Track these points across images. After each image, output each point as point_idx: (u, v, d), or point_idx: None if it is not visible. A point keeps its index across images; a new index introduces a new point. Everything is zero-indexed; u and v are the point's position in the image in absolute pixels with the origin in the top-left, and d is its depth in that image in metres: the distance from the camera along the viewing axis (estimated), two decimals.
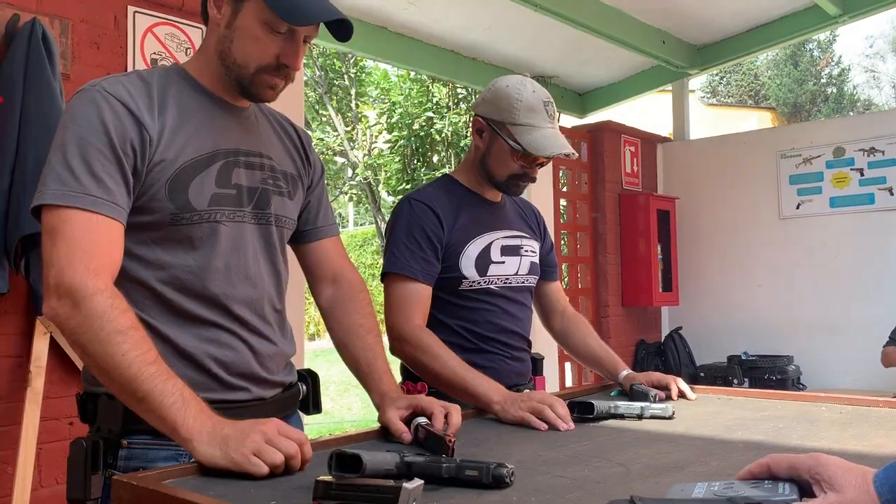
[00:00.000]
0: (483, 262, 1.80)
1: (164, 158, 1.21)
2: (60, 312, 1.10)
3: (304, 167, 1.45)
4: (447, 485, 0.96)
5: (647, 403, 1.50)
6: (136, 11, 2.71)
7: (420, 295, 1.72)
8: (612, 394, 1.80)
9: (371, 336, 1.45)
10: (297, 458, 1.04)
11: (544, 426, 1.40)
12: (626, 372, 1.82)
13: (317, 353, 12.30)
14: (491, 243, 1.82)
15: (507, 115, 1.75)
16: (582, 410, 1.46)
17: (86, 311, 1.08)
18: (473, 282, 1.79)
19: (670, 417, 1.47)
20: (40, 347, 2.37)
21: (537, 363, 1.97)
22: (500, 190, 1.86)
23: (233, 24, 1.26)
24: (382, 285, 1.77)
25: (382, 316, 1.70)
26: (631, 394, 1.69)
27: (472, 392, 1.56)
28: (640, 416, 1.47)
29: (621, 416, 1.47)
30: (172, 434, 1.07)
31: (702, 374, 5.13)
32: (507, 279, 1.84)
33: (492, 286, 1.81)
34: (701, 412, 1.55)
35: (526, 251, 1.89)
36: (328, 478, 0.89)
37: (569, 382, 5.01)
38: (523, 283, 1.88)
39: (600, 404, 1.47)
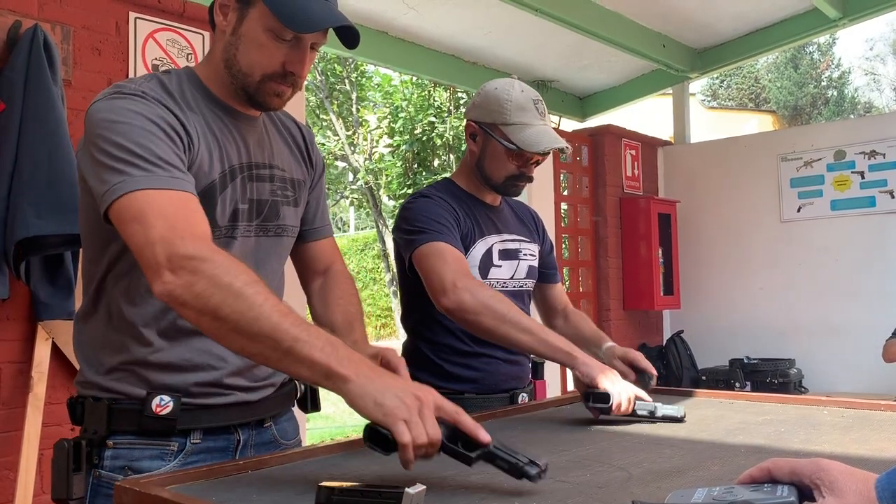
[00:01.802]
0: (485, 264, 1.81)
1: (196, 173, 1.20)
2: (180, 283, 1.04)
3: (308, 170, 1.46)
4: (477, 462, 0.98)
5: (660, 404, 1.49)
6: (137, 18, 2.72)
7: (463, 257, 1.71)
8: None
9: (352, 308, 1.43)
10: (430, 450, 0.95)
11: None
12: (609, 344, 1.80)
13: None
14: (492, 247, 1.83)
15: (498, 116, 1.77)
16: (597, 400, 1.46)
17: (210, 271, 1.04)
18: None
19: (681, 419, 1.46)
20: (42, 353, 2.37)
21: (538, 367, 1.97)
22: (498, 192, 1.87)
23: (238, 30, 1.25)
24: (416, 262, 1.72)
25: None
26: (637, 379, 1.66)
27: (557, 348, 1.58)
28: (652, 415, 1.46)
29: (634, 414, 1.46)
30: (325, 379, 1.00)
31: (703, 378, 5.12)
32: (504, 283, 1.84)
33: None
34: (703, 416, 1.55)
35: (524, 255, 1.90)
36: (331, 483, 0.89)
37: (571, 386, 5.00)
38: (520, 287, 1.89)
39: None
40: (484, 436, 0.98)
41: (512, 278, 1.86)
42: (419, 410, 0.95)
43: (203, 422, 1.25)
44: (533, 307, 2.03)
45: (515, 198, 1.99)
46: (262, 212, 1.31)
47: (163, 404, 1.21)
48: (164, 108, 1.19)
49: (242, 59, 1.25)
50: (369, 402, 0.96)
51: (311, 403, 1.47)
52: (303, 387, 1.45)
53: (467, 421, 0.99)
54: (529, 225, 2.00)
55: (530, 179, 1.83)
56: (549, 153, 1.81)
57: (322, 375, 1.00)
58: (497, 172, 1.81)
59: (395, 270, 1.85)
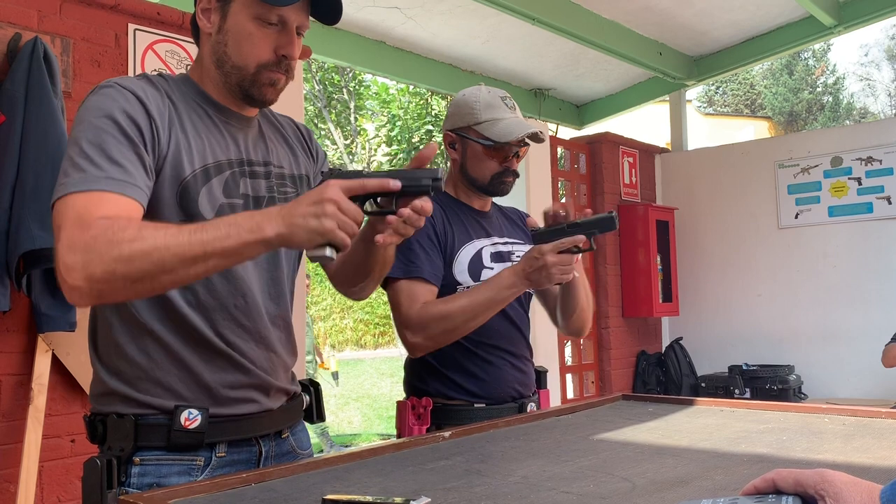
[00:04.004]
0: (475, 267, 1.81)
1: (174, 165, 1.21)
2: (73, 272, 1.05)
3: (311, 163, 1.47)
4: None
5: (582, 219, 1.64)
6: (136, 29, 2.72)
7: (427, 290, 1.74)
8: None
9: None
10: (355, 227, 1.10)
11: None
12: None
13: None
14: (481, 250, 1.84)
15: (470, 118, 1.82)
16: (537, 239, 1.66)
17: (91, 236, 1.05)
18: (468, 287, 1.79)
19: (611, 217, 1.62)
20: (42, 365, 2.37)
21: (541, 376, 1.97)
22: (488, 193, 1.88)
23: (223, 28, 1.26)
24: (387, 293, 1.76)
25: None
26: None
27: (498, 286, 1.69)
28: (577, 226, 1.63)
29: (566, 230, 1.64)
30: (258, 231, 1.07)
31: (703, 385, 5.13)
32: None
33: None
34: (704, 425, 1.55)
35: (517, 257, 1.90)
36: (335, 497, 0.89)
37: (570, 394, 5.00)
38: None
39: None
40: (394, 184, 1.13)
41: None
42: (338, 207, 1.07)
43: (229, 433, 1.26)
44: (538, 306, 2.03)
45: (507, 200, 2.00)
46: (259, 208, 1.31)
47: (191, 418, 1.21)
48: (134, 98, 1.20)
49: (233, 54, 1.26)
50: (305, 238, 1.08)
51: (316, 415, 1.47)
52: (308, 398, 1.45)
53: (371, 182, 1.13)
54: (522, 226, 2.01)
55: (516, 174, 1.86)
56: (528, 144, 1.83)
57: (256, 232, 1.07)
58: (481, 173, 1.83)
59: None
